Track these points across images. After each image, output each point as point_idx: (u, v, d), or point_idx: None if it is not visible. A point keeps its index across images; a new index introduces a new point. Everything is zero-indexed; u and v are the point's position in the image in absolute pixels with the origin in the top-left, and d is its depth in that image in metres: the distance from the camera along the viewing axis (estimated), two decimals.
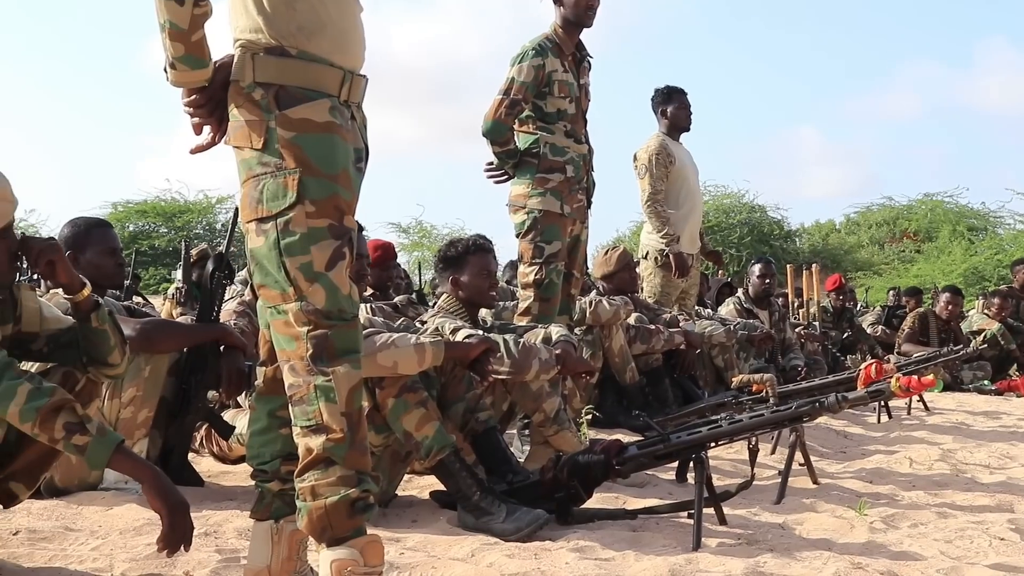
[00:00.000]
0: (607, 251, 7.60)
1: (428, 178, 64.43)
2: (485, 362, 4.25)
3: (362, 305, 4.25)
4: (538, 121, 5.82)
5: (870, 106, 69.54)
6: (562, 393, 4.94)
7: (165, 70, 2.77)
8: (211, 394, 4.84)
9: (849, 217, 36.83)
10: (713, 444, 4.10)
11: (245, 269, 5.64)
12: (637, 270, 7.87)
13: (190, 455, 4.89)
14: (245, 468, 4.80)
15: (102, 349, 3.17)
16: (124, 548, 3.56)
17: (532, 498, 4.06)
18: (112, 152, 59.55)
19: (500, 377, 4.37)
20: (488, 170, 6.01)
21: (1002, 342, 11.96)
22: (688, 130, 8.10)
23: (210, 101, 2.82)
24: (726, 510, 4.13)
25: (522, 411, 4.94)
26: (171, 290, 10.34)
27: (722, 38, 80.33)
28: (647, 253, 8.00)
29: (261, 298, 2.78)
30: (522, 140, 5.86)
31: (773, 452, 5.92)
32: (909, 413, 8.57)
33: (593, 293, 7.11)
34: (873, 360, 5.48)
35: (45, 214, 35.82)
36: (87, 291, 3.11)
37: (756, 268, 9.44)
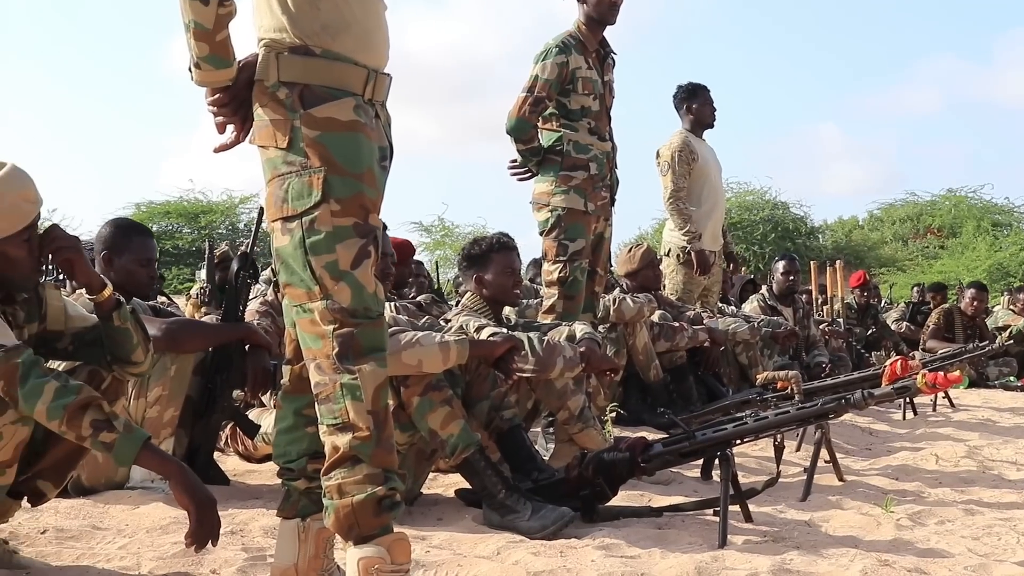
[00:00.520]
0: (630, 248, 7.59)
1: (448, 177, 64.60)
2: (510, 360, 4.24)
3: (386, 304, 4.25)
4: (562, 118, 5.81)
5: (890, 102, 69.42)
6: (586, 391, 4.93)
7: (190, 69, 2.78)
8: (236, 393, 4.85)
9: (872, 213, 36.72)
10: (738, 441, 4.09)
11: (269, 269, 5.67)
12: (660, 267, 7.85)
13: (216, 454, 4.90)
14: (270, 467, 4.83)
15: (125, 348, 3.18)
16: (151, 547, 3.57)
17: (557, 496, 4.06)
18: (136, 152, 59.79)
19: (525, 375, 4.37)
20: (512, 168, 6.01)
21: None
22: (712, 127, 8.10)
23: (234, 100, 2.83)
24: (752, 507, 4.12)
25: (547, 409, 4.93)
26: (195, 290, 10.37)
27: (741, 34, 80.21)
28: (669, 250, 7.99)
29: (287, 297, 2.78)
30: (546, 138, 5.86)
31: (798, 449, 5.90)
32: (935, 410, 8.54)
33: (617, 291, 7.09)
34: (899, 356, 5.45)
35: (70, 214, 36.08)
36: (108, 291, 3.12)
37: (780, 265, 9.42)
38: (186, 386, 4.53)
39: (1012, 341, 11.65)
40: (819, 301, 12.05)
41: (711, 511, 4.04)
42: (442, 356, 3.97)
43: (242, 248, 5.39)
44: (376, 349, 2.69)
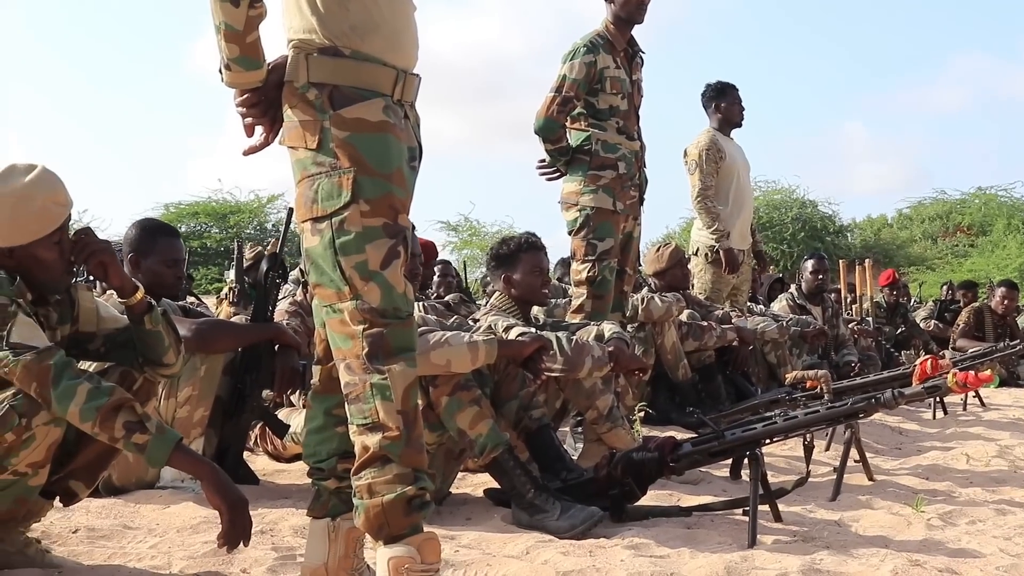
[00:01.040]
0: (659, 248, 7.57)
1: (474, 177, 64.62)
2: (538, 360, 4.24)
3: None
4: (590, 118, 5.82)
5: (917, 100, 69.03)
6: (615, 390, 4.93)
7: (220, 71, 2.79)
8: (266, 393, 4.87)
9: (901, 212, 36.50)
10: (768, 441, 4.08)
11: (297, 269, 5.68)
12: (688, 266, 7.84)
13: (245, 454, 4.92)
14: (299, 466, 4.85)
15: (157, 350, 3.19)
16: (181, 546, 3.59)
17: (586, 495, 4.06)
18: (163, 153, 60.04)
19: (553, 375, 4.37)
20: (541, 167, 6.01)
21: None
22: (740, 126, 8.08)
23: (262, 101, 2.83)
24: (781, 507, 4.10)
25: (575, 408, 4.93)
26: (225, 290, 10.40)
27: (768, 33, 79.96)
28: (697, 249, 7.97)
29: (317, 297, 2.79)
30: (574, 137, 5.86)
31: (828, 449, 5.88)
32: (965, 409, 8.50)
33: (645, 290, 7.09)
34: (929, 355, 5.43)
35: (100, 215, 36.30)
36: (140, 294, 3.14)
37: (809, 264, 9.38)
38: (216, 386, 4.56)
39: None
40: (848, 300, 12.01)
41: (740, 511, 4.03)
42: (471, 356, 3.97)
43: (270, 248, 5.41)
44: (406, 349, 2.70)
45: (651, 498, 4.32)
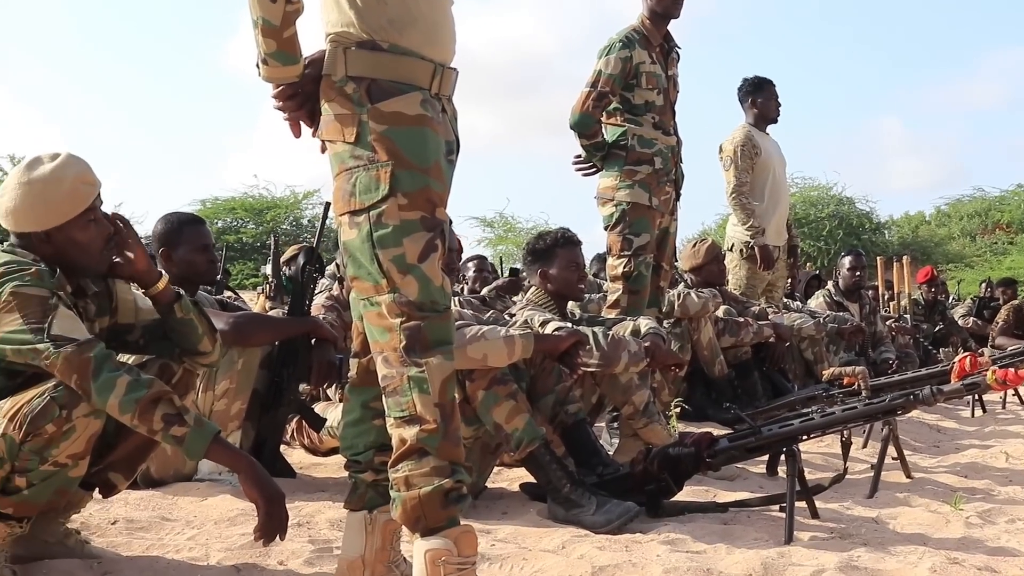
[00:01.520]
0: (695, 244, 7.56)
1: (509, 172, 64.64)
2: (574, 355, 4.24)
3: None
4: (626, 113, 5.82)
5: (954, 96, 68.50)
6: (651, 386, 4.92)
7: (257, 65, 2.80)
8: (302, 387, 4.89)
9: (939, 209, 36.26)
10: (805, 437, 4.07)
11: (333, 263, 5.69)
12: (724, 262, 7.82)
13: (282, 447, 4.94)
14: (336, 460, 4.87)
15: (191, 339, 3.21)
16: (219, 538, 3.61)
17: (622, 491, 4.05)
18: (200, 148, 60.33)
19: (589, 370, 4.37)
20: (576, 163, 6.01)
21: None
22: (776, 122, 8.04)
23: (299, 94, 2.84)
24: (818, 504, 4.09)
25: (611, 404, 4.93)
26: (264, 284, 10.44)
27: (803, 28, 79.60)
28: (732, 245, 7.95)
29: (354, 290, 2.80)
30: (610, 132, 5.86)
31: (865, 446, 5.85)
32: (1004, 407, 8.44)
33: (681, 286, 7.08)
34: (968, 353, 5.39)
35: (137, 210, 36.46)
36: (163, 282, 3.16)
37: (846, 261, 9.34)
38: (253, 379, 4.58)
39: None
40: (885, 297, 11.94)
41: (777, 507, 4.02)
42: (507, 350, 3.97)
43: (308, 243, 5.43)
44: (443, 342, 2.70)
45: (687, 494, 4.32)
